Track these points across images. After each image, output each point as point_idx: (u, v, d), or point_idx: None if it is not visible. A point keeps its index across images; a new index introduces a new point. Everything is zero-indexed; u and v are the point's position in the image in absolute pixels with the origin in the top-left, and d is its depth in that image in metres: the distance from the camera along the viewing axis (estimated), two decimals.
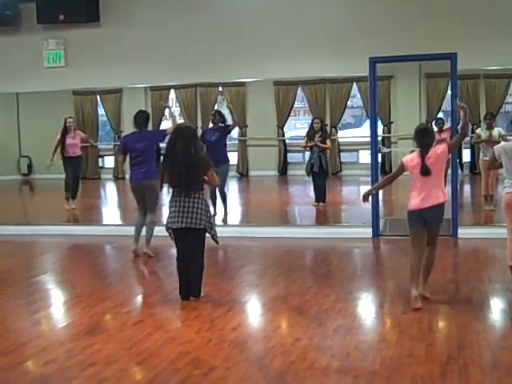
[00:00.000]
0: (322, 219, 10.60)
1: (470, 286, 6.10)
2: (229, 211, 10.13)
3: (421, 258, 5.59)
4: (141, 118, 7.67)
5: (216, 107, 16.10)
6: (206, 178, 5.76)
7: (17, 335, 5.05)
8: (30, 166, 17.00)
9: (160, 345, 4.69)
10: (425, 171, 5.43)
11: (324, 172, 10.88)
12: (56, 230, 9.54)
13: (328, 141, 11.11)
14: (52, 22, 9.18)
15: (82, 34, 9.29)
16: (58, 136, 11.17)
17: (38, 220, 10.32)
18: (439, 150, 5.49)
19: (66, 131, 11.16)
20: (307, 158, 11.33)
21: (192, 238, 5.73)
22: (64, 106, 16.11)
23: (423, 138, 5.53)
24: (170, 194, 5.79)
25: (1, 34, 9.50)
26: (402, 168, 5.64)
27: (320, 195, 11.00)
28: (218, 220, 9.62)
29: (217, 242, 5.88)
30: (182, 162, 5.61)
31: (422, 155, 5.46)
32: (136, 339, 4.80)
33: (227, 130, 10.09)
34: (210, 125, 10.38)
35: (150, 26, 9.17)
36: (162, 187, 5.92)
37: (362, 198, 5.91)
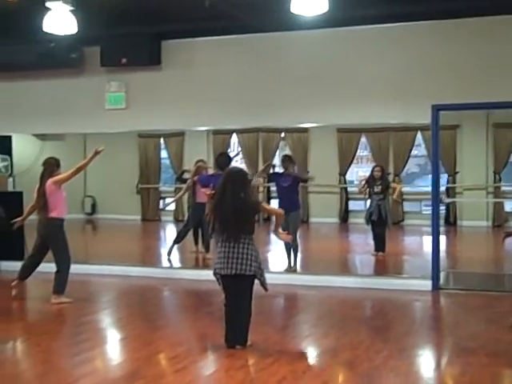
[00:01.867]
0: (380, 269, 10.27)
1: None
2: (298, 261, 9.59)
3: None
4: (224, 159, 7.66)
5: (278, 153, 16.10)
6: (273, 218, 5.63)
7: (57, 377, 4.95)
8: (93, 206, 17.34)
9: None
10: None
11: (383, 221, 10.60)
12: (112, 269, 9.54)
13: (393, 184, 10.92)
14: (114, 65, 9.33)
15: (143, 76, 9.40)
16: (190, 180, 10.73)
17: (95, 259, 10.37)
18: None
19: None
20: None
21: (241, 285, 5.55)
22: (128, 148, 16.49)
23: None
24: (220, 239, 5.64)
25: (66, 76, 9.73)
26: None
27: (379, 244, 10.70)
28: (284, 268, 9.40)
29: (266, 289, 5.67)
30: (230, 206, 5.47)
31: None
32: None
33: (302, 179, 9.70)
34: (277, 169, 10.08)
35: (211, 68, 9.20)
36: (212, 230, 5.78)
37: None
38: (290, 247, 9.35)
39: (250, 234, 5.58)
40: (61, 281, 7.56)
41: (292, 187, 9.41)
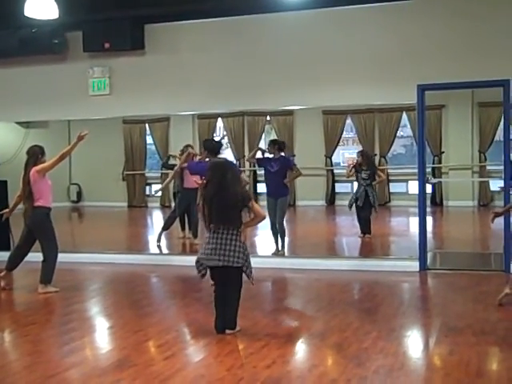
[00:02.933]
0: (367, 251, 10.29)
1: None
2: (286, 245, 9.62)
3: None
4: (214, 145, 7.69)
5: (263, 136, 16.04)
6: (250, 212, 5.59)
7: (46, 367, 4.90)
8: (79, 194, 17.21)
9: (188, 382, 4.48)
10: None
11: (369, 206, 10.64)
12: (100, 257, 9.51)
13: (379, 172, 10.94)
14: (97, 50, 9.23)
15: (126, 61, 9.33)
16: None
17: (83, 248, 10.32)
18: None
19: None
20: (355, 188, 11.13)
21: (229, 275, 5.56)
22: (113, 135, 16.33)
23: None
24: (208, 229, 5.62)
25: (49, 63, 9.62)
26: None
27: (365, 227, 10.72)
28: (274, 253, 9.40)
29: (252, 283, 5.66)
30: (220, 198, 5.46)
31: None
32: (164, 375, 4.60)
33: (289, 165, 9.52)
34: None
35: (196, 52, 9.13)
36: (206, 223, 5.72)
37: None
38: (277, 232, 9.33)
39: (238, 226, 5.56)
40: (48, 270, 7.51)
41: (280, 173, 9.33)
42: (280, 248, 9.43)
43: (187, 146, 10.58)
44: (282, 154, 9.47)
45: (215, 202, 5.47)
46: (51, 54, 9.48)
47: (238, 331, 5.58)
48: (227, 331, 5.55)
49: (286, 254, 9.51)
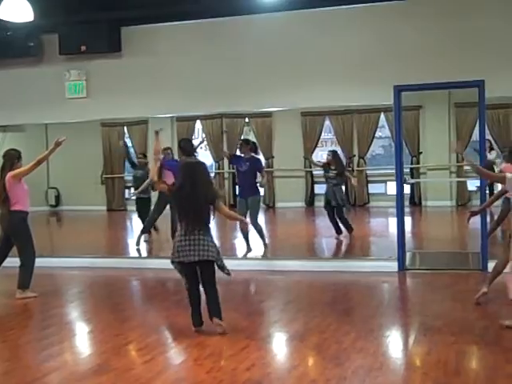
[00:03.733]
0: (346, 252, 10.33)
1: (500, 324, 5.76)
2: (268, 243, 9.61)
3: None
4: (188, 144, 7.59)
5: (242, 138, 16.04)
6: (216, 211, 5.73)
7: (23, 373, 4.87)
8: (57, 198, 17.07)
9: None
10: None
11: (340, 205, 10.69)
12: (78, 262, 9.41)
13: (347, 173, 11.01)
14: (73, 53, 9.17)
15: (103, 64, 9.27)
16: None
17: (62, 252, 10.23)
18: None
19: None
20: None
21: (204, 270, 5.69)
22: (92, 138, 16.21)
23: None
24: (179, 228, 5.70)
25: (24, 66, 9.54)
26: None
27: (338, 227, 10.76)
28: (257, 254, 9.40)
29: (228, 273, 5.74)
30: (189, 197, 5.60)
31: None
32: (144, 379, 4.58)
33: (259, 166, 9.57)
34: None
35: (173, 55, 9.11)
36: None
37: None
38: (247, 233, 9.31)
39: (207, 224, 5.69)
40: (26, 275, 7.44)
41: (249, 172, 9.38)
42: (264, 249, 9.43)
43: (166, 149, 10.56)
44: (253, 154, 9.50)
45: (186, 201, 5.62)
46: (27, 56, 9.41)
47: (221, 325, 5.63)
48: (217, 320, 5.61)
49: (266, 255, 9.48)
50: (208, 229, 5.69)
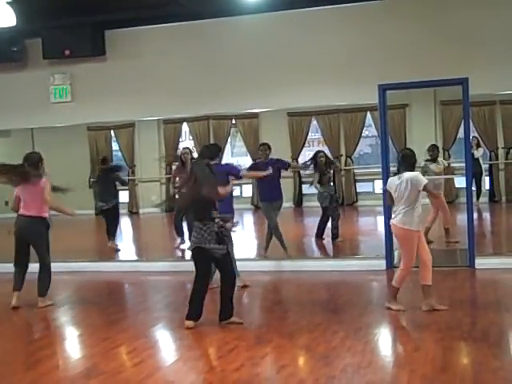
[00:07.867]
0: (334, 251, 10.33)
1: (487, 320, 5.80)
2: (287, 245, 9.27)
3: None
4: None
5: (229, 140, 16.04)
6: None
7: (12, 379, 4.85)
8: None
9: None
10: None
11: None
12: (67, 266, 9.33)
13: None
14: (57, 57, 9.14)
15: (88, 68, 9.24)
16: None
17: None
18: None
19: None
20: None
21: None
22: (78, 142, 16.13)
23: None
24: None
25: (8, 71, 9.50)
26: None
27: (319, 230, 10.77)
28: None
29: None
30: (189, 195, 6.02)
31: None
32: (133, 382, 4.59)
33: (284, 166, 9.45)
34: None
35: (157, 57, 9.09)
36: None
37: None
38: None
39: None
40: (46, 282, 7.40)
41: (274, 175, 8.92)
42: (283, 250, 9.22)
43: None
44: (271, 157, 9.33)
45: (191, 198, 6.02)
46: (10, 61, 9.37)
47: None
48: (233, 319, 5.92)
49: (254, 256, 9.47)
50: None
